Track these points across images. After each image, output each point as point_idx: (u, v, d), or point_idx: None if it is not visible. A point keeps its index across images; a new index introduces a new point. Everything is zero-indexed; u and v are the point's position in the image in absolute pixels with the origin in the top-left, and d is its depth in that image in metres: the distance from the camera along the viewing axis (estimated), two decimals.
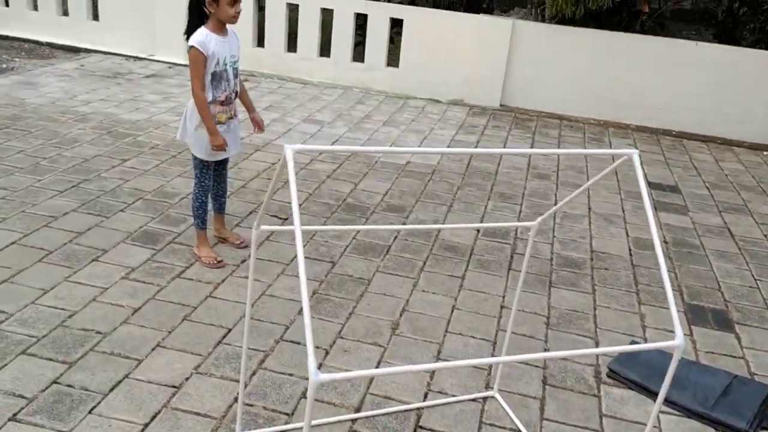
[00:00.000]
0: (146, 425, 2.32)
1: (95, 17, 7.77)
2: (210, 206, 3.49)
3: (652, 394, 2.73)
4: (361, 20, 7.20)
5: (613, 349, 2.22)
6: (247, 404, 2.47)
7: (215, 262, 3.38)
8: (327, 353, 2.81)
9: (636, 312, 3.36)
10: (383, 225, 4.04)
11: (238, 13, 3.12)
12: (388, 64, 7.18)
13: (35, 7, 7.90)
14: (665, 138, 6.52)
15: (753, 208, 4.88)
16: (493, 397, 2.65)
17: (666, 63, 6.51)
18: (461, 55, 6.86)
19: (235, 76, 3.28)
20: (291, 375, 2.65)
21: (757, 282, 3.79)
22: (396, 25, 7.12)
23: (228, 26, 3.21)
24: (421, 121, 6.29)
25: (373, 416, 2.48)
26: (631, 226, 4.38)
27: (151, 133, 5.19)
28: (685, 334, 3.21)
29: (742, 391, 2.74)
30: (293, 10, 7.23)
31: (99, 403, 2.40)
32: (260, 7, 7.37)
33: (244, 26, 7.23)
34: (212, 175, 3.43)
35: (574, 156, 5.57)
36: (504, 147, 5.73)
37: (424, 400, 2.60)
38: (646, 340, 3.13)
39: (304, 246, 3.77)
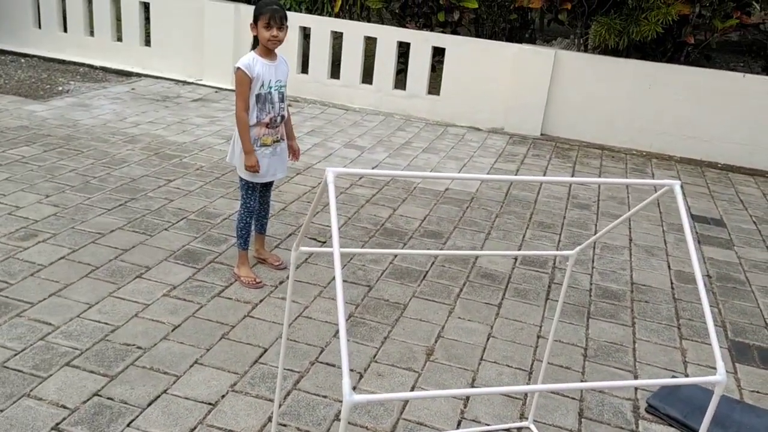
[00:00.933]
0: None
1: (147, 43, 8.04)
2: (252, 227, 3.56)
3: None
4: (403, 48, 7.30)
5: (652, 382, 2.17)
6: (281, 424, 2.49)
7: (254, 282, 3.44)
8: (361, 377, 2.82)
9: (677, 347, 3.29)
10: (420, 250, 4.05)
11: (275, 37, 3.19)
12: (429, 92, 7.24)
13: (91, 33, 8.21)
14: (710, 170, 6.41)
15: None
16: (528, 428, 2.62)
17: (712, 94, 6.42)
18: (502, 83, 6.89)
19: (281, 100, 3.35)
20: (325, 397, 2.67)
21: None
22: (438, 53, 7.20)
23: (278, 52, 3.35)
24: (460, 149, 6.32)
25: None
26: (673, 258, 4.30)
27: (197, 155, 5.33)
28: (728, 372, 3.13)
29: None
30: (337, 38, 7.38)
31: (137, 416, 2.45)
32: (305, 35, 7.53)
33: (289, 52, 7.41)
34: (257, 197, 3.49)
35: (615, 186, 5.51)
36: (544, 175, 5.71)
37: (457, 428, 2.58)
38: (687, 376, 3.06)
39: (341, 269, 3.80)
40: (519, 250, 4.21)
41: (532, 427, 2.62)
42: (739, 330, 3.51)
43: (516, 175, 5.65)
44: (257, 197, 3.49)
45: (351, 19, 7.63)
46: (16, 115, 5.92)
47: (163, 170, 4.93)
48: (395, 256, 3.94)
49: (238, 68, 3.20)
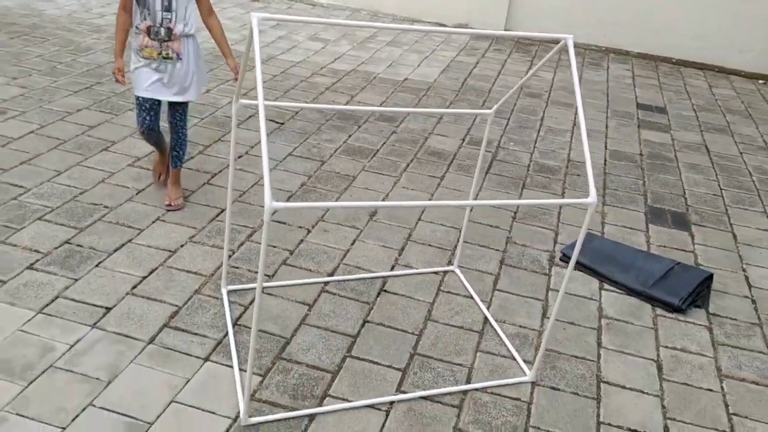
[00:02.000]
0: (144, 278, 2.67)
1: None
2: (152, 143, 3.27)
3: (599, 275, 3.03)
4: None
5: (534, 203, 2.51)
6: (233, 266, 2.81)
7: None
8: (308, 232, 3.14)
9: (598, 210, 3.64)
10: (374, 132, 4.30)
11: None
12: None
13: None
14: (664, 65, 6.64)
15: (735, 129, 5.06)
16: (453, 271, 2.97)
17: None
18: None
19: (164, 9, 2.86)
20: (275, 246, 2.98)
21: (723, 191, 4.03)
22: None
23: None
24: (424, 43, 6.46)
25: (344, 280, 2.82)
26: (610, 140, 4.61)
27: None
28: (642, 231, 3.49)
29: (682, 275, 3.03)
30: None
31: (104, 259, 2.75)
32: None
33: None
34: (147, 117, 3.09)
35: (568, 78, 5.74)
36: (502, 69, 5.91)
37: (390, 271, 2.92)
38: (602, 234, 3.41)
39: (295, 147, 4.06)
40: (468, 132, 4.48)
41: (457, 270, 2.97)
42: (658, 198, 3.85)
43: (475, 67, 5.85)
44: (146, 117, 3.09)
45: None
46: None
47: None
48: (349, 136, 4.19)
49: None
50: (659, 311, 2.86)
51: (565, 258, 3.14)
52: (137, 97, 3.07)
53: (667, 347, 2.66)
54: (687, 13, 6.61)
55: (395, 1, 7.26)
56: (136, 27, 2.93)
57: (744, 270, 3.24)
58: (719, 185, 4.10)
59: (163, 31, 2.91)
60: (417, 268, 2.96)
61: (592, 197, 2.04)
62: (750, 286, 3.12)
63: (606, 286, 3.00)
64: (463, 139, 4.34)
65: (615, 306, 2.87)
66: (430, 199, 3.56)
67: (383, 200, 3.49)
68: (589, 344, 2.63)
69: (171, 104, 3.13)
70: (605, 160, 4.28)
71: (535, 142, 4.43)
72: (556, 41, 1.95)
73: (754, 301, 3.01)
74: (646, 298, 2.91)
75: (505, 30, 7.06)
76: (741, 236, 3.55)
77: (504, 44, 6.71)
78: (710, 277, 3.04)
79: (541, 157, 4.21)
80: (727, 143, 4.77)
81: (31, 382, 2.13)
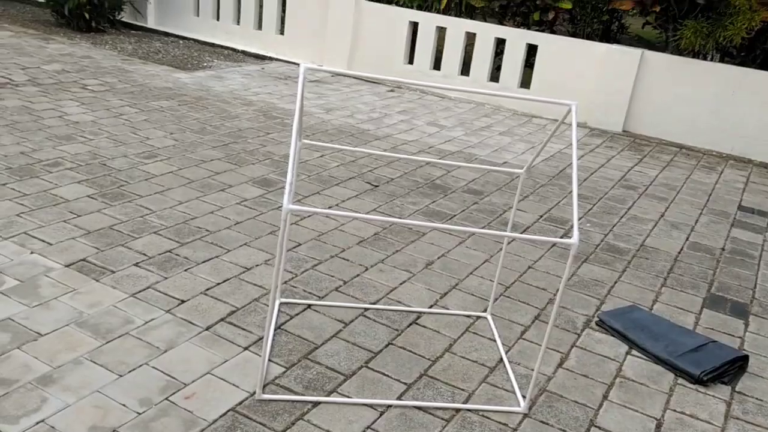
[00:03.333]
0: (218, 284, 3.22)
1: (281, 32, 9.24)
2: None
3: (628, 341, 3.14)
4: (502, 45, 7.91)
5: (518, 237, 2.73)
6: (292, 286, 3.29)
7: None
8: (366, 269, 3.55)
9: (654, 290, 3.72)
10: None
11: None
12: (521, 86, 7.79)
13: (237, 22, 9.54)
14: None
15: None
16: (485, 317, 3.23)
17: None
18: (589, 81, 7.30)
19: None
20: (332, 276, 3.43)
21: None
22: (532, 51, 7.73)
23: None
24: (536, 135, 6.83)
25: (382, 309, 3.18)
26: (695, 233, 4.63)
27: None
28: (692, 312, 3.52)
29: (713, 351, 3.05)
30: (441, 32, 8.13)
31: (192, 267, 3.35)
32: (414, 30, 8.35)
33: (397, 44, 8.28)
34: None
35: (670, 180, 5.79)
36: (606, 163, 6.11)
37: (427, 308, 3.24)
38: (650, 310, 3.49)
39: (381, 205, 4.50)
40: (548, 212, 4.73)
41: (489, 317, 3.22)
42: (724, 287, 3.84)
43: (578, 160, 6.10)
44: None
45: (456, 16, 8.34)
46: (165, 79, 7.22)
47: (266, 126, 5.93)
48: (432, 201, 4.61)
49: None
50: (680, 380, 2.91)
51: (601, 323, 3.28)
52: None
53: (674, 410, 2.72)
54: None
55: (521, 101, 7.73)
56: None
57: None
58: None
59: None
60: (452, 309, 3.26)
61: (575, 238, 2.29)
62: None
63: (634, 352, 3.09)
64: (542, 216, 4.60)
65: (636, 369, 2.97)
66: (486, 261, 3.85)
67: (439, 257, 3.84)
68: (594, 395, 2.76)
69: None
70: (681, 249, 4.32)
71: (613, 226, 4.58)
72: (568, 113, 2.16)
73: None
74: (671, 367, 2.98)
75: (623, 131, 7.26)
76: None
77: (618, 142, 6.90)
78: (744, 357, 3.04)
79: (614, 239, 4.36)
80: None
81: (109, 342, 2.69)
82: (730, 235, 4.67)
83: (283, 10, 9.16)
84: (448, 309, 3.27)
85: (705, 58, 6.96)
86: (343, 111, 6.84)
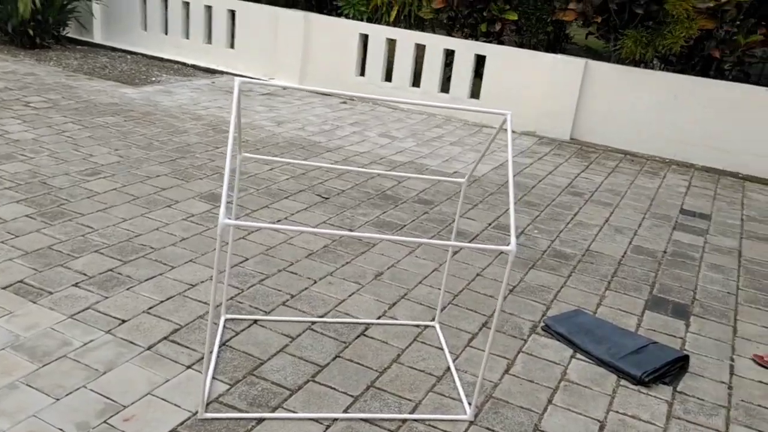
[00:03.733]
0: (161, 302, 3.16)
1: (231, 46, 9.18)
2: None
3: (572, 344, 3.19)
4: (451, 56, 8.00)
5: (454, 243, 2.76)
6: (238, 302, 3.25)
7: None
8: (314, 282, 3.53)
9: (598, 294, 3.79)
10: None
11: None
12: (471, 96, 7.89)
13: (187, 36, 9.44)
14: (727, 179, 6.66)
15: None
16: (433, 326, 3.24)
17: (741, 109, 6.68)
18: (537, 90, 7.43)
19: None
20: (279, 290, 3.40)
21: (739, 290, 4.04)
22: (482, 60, 7.84)
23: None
24: (485, 144, 6.89)
25: (330, 322, 3.17)
26: (638, 237, 4.74)
27: (247, 132, 6.25)
28: (634, 315, 3.60)
29: (654, 352, 3.12)
30: (391, 44, 8.18)
31: (135, 285, 3.28)
32: (364, 42, 8.38)
33: (348, 57, 8.31)
34: None
35: (618, 186, 5.93)
36: (553, 170, 6.22)
37: (376, 320, 3.24)
38: (594, 313, 3.56)
39: (331, 217, 4.49)
40: (497, 219, 4.78)
41: (437, 326, 3.23)
42: (666, 289, 3.94)
43: (527, 168, 6.20)
44: None
45: (405, 28, 8.41)
46: (111, 94, 7.10)
47: (214, 140, 5.88)
48: (383, 212, 4.62)
49: None
50: (623, 382, 2.97)
51: (547, 328, 3.32)
52: None
53: (617, 412, 2.76)
54: (753, 131, 6.67)
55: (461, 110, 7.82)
56: None
57: (732, 360, 3.27)
58: (738, 285, 4.11)
59: None
60: (401, 320, 3.26)
61: (512, 245, 2.32)
62: (732, 374, 3.14)
63: (578, 355, 3.14)
64: (490, 224, 4.65)
65: (579, 372, 3.01)
66: (435, 270, 3.87)
67: (389, 267, 3.85)
68: (539, 399, 2.79)
69: None
70: (624, 253, 4.41)
71: (560, 232, 4.65)
72: (504, 122, 2.23)
73: (730, 387, 3.04)
74: (613, 369, 3.03)
75: (570, 139, 7.40)
76: (742, 330, 3.56)
77: (565, 150, 7.03)
78: (685, 357, 3.12)
79: (561, 245, 4.43)
80: (765, 251, 4.76)
81: (45, 365, 2.62)
82: (672, 238, 4.79)
83: (233, 24, 9.11)
84: (396, 319, 3.28)
85: (646, 67, 7.16)
86: (295, 123, 6.82)
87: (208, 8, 9.15)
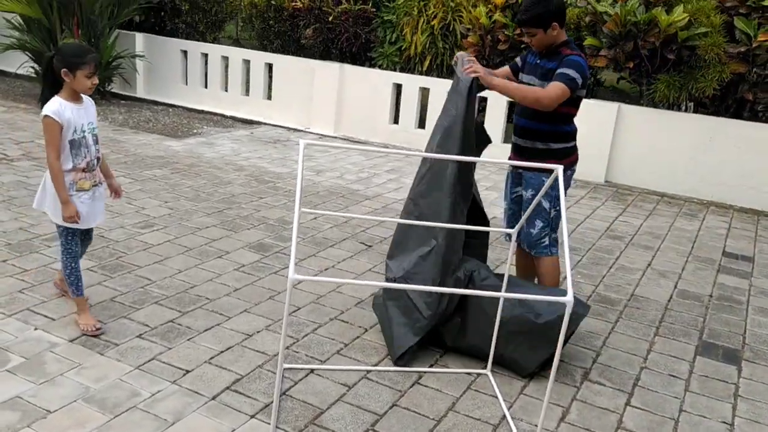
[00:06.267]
0: (221, 352, 3.27)
1: (269, 97, 9.47)
2: (80, 270, 3.40)
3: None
4: (484, 102, 8.16)
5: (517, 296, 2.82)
6: (294, 351, 3.34)
7: (95, 329, 3.30)
8: (365, 331, 3.61)
9: (648, 340, 3.80)
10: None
11: (95, 84, 3.20)
12: (505, 141, 8.00)
13: (225, 89, 9.77)
14: (767, 219, 6.63)
15: None
16: (485, 374, 3.29)
17: None
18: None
19: (96, 142, 3.30)
20: (333, 339, 3.49)
21: None
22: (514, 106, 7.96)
23: (83, 94, 3.27)
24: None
25: (384, 371, 3.24)
26: (682, 281, 4.74)
27: (288, 182, 6.42)
28: (686, 360, 3.60)
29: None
30: (424, 92, 8.38)
31: (195, 336, 3.40)
32: (398, 92, 8.60)
33: (382, 106, 8.51)
34: (78, 242, 3.35)
35: (657, 225, 5.95)
36: (591, 214, 6.26)
37: (429, 368, 3.30)
38: (645, 360, 3.57)
39: (376, 264, 4.60)
40: None
41: (489, 374, 3.28)
42: (715, 334, 3.93)
43: (567, 211, 6.24)
44: (78, 241, 3.36)
45: (437, 76, 8.61)
46: (157, 147, 7.36)
47: (258, 190, 6.05)
48: None
49: (46, 116, 3.11)
50: (680, 428, 2.97)
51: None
52: (69, 230, 3.27)
53: None
54: None
55: (504, 155, 7.94)
56: (73, 167, 3.20)
57: None
58: None
59: (95, 162, 3.32)
60: (453, 368, 3.32)
61: (569, 296, 2.39)
62: None
63: (633, 402, 3.16)
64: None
65: (636, 420, 3.03)
66: None
67: None
68: None
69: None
70: (670, 298, 4.42)
71: (603, 277, 4.68)
72: (610, 183, 2.29)
73: None
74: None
75: (606, 182, 7.45)
76: None
77: (602, 193, 7.07)
78: None
79: (605, 290, 4.46)
80: None
81: (117, 416, 2.72)
82: (717, 281, 4.79)
83: (270, 76, 9.42)
84: (448, 367, 3.33)
85: (679, 109, 7.22)
86: (333, 172, 6.99)
87: (246, 62, 9.48)
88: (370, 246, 4.92)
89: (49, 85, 3.19)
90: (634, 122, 7.29)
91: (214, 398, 2.90)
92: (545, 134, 3.62)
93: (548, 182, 2.77)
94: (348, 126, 8.84)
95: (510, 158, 3.85)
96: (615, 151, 7.43)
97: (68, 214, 3.18)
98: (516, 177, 3.83)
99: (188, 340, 3.36)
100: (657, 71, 7.13)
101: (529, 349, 3.22)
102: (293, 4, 9.00)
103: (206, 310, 3.69)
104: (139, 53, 9.93)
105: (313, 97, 8.96)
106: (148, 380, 2.98)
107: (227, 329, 3.50)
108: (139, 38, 10.06)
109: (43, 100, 3.19)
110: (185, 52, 9.88)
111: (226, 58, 9.61)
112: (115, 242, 4.51)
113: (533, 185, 3.62)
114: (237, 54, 9.58)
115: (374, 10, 8.70)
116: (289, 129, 9.07)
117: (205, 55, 9.74)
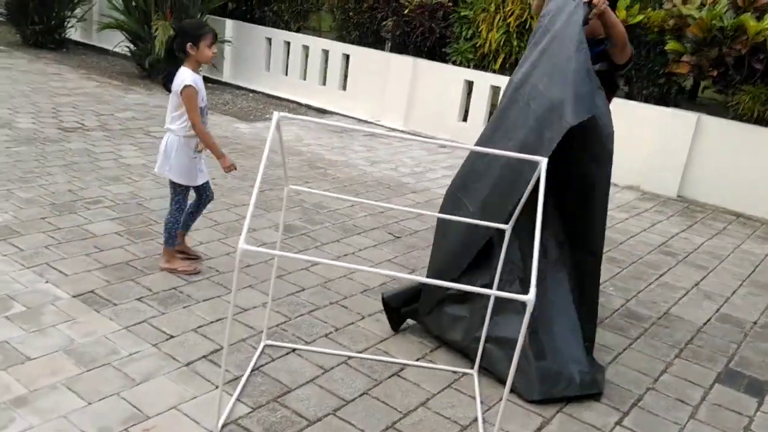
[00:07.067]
0: (211, 323, 3.30)
1: (344, 88, 9.55)
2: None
3: None
4: None
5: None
6: (283, 329, 3.33)
7: (193, 270, 3.77)
8: (362, 318, 3.55)
9: (666, 360, 3.51)
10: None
11: (215, 54, 3.59)
12: None
13: (304, 78, 9.93)
14: None
15: None
16: (471, 374, 3.15)
17: None
18: (643, 143, 7.10)
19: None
20: (326, 322, 3.45)
21: None
22: None
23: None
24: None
25: (366, 359, 3.16)
26: (728, 305, 4.36)
27: (339, 169, 6.44)
28: (701, 387, 3.30)
29: None
30: (495, 91, 8.18)
31: (192, 304, 3.46)
32: (469, 89, 8.44)
33: (453, 102, 8.38)
34: (187, 199, 3.79)
35: (713, 244, 5.51)
36: (649, 227, 5.88)
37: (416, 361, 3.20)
38: (656, 381, 3.30)
39: (397, 256, 4.51)
40: None
41: (475, 374, 3.14)
42: (744, 363, 3.59)
43: (621, 223, 5.91)
44: (186, 199, 3.79)
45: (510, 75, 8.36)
46: (225, 128, 7.59)
47: (306, 175, 6.11)
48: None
49: (188, 85, 3.45)
50: None
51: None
52: (186, 188, 3.74)
53: None
54: None
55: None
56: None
57: None
58: None
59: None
60: (439, 364, 3.20)
61: (531, 294, 2.23)
62: None
63: (625, 422, 2.93)
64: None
65: None
66: None
67: None
68: None
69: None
70: (708, 320, 4.07)
71: (639, 292, 4.38)
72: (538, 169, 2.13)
73: None
74: None
75: (678, 196, 6.99)
76: None
77: (671, 207, 6.63)
78: None
79: (636, 305, 4.17)
80: None
81: (89, 370, 2.81)
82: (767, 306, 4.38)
83: (347, 67, 9.49)
84: (434, 363, 3.22)
85: (766, 124, 6.66)
86: (389, 164, 6.95)
87: (325, 52, 9.60)
88: (398, 237, 4.85)
89: (174, 64, 3.58)
90: (714, 135, 6.79)
91: (188, 365, 2.94)
92: None
93: (534, 176, 2.61)
94: (417, 120, 8.76)
95: None
96: (691, 165, 6.95)
97: (227, 164, 3.69)
98: None
99: (184, 307, 3.42)
100: (744, 81, 6.61)
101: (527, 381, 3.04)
102: None
103: (212, 281, 3.75)
104: (228, 39, 10.28)
105: (385, 89, 8.96)
106: (131, 341, 3.06)
107: (225, 301, 3.54)
108: (229, 24, 10.42)
109: (168, 76, 3.56)
110: (269, 40, 10.13)
111: (306, 47, 9.78)
112: (151, 211, 4.68)
113: None
114: (316, 43, 9.72)
115: (451, 4, 8.57)
116: (359, 120, 9.10)
117: (288, 44, 9.96)
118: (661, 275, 4.75)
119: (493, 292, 2.37)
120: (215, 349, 3.09)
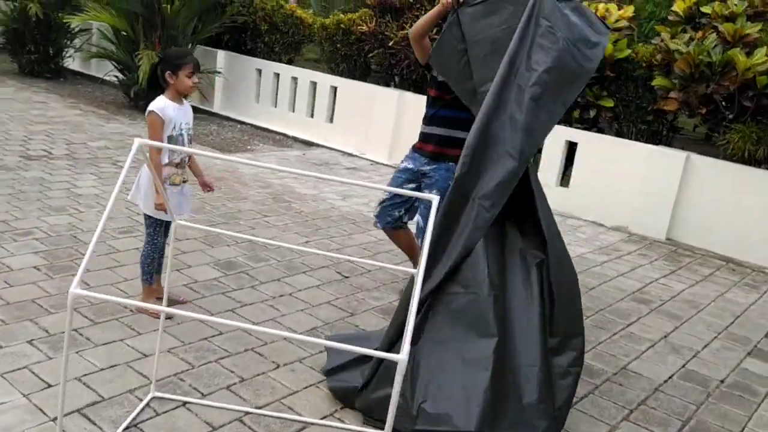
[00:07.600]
0: (102, 369, 3.01)
1: (331, 120, 9.35)
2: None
3: None
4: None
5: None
6: (181, 379, 3.03)
7: (156, 315, 3.48)
8: (278, 366, 3.24)
9: (611, 424, 3.14)
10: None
11: (196, 84, 3.52)
12: (560, 184, 7.35)
13: (293, 110, 9.77)
14: None
15: None
16: None
17: None
18: (631, 182, 6.76)
19: (189, 141, 3.65)
20: (233, 371, 3.14)
21: None
22: (573, 147, 7.32)
23: (183, 98, 3.58)
24: (566, 237, 6.31)
25: (264, 415, 2.84)
26: (696, 360, 3.97)
27: (306, 204, 6.18)
28: None
29: None
30: None
31: (88, 349, 3.17)
32: None
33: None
34: (162, 233, 3.64)
35: (697, 294, 5.12)
36: (628, 272, 5.51)
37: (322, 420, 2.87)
38: None
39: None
40: None
41: None
42: (702, 428, 3.19)
43: (599, 267, 5.54)
44: (162, 234, 3.65)
45: None
46: (200, 160, 7.37)
47: (268, 209, 5.85)
48: None
49: (152, 111, 3.42)
50: None
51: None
52: (157, 222, 3.57)
53: None
54: None
55: (555, 197, 7.28)
56: (168, 162, 3.50)
57: None
58: None
59: (187, 159, 3.67)
60: (348, 424, 2.86)
61: (403, 354, 1.91)
62: None
63: None
64: None
65: None
66: None
67: None
68: None
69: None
70: (669, 378, 3.69)
71: (598, 344, 4.01)
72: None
73: None
74: None
75: (667, 239, 6.61)
76: None
77: (656, 251, 6.25)
78: None
79: (592, 359, 3.79)
80: None
81: None
82: (741, 365, 3.97)
83: (335, 101, 9.31)
84: (343, 423, 2.89)
85: (759, 165, 6.28)
86: (362, 198, 6.68)
87: (314, 84, 9.44)
88: (347, 277, 4.54)
89: (158, 93, 3.54)
90: (704, 175, 6.42)
91: (53, 420, 2.64)
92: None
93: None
94: (402, 154, 8.47)
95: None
96: (679, 206, 6.57)
97: (159, 201, 3.40)
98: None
99: (77, 352, 3.14)
100: (735, 119, 6.27)
101: None
102: (359, 27, 8.87)
103: (121, 322, 3.48)
104: (218, 70, 10.18)
105: (371, 122, 8.73)
106: (3, 389, 2.78)
107: (128, 346, 3.26)
108: (221, 55, 10.33)
109: (149, 105, 3.50)
110: (260, 71, 10.01)
111: (295, 79, 9.63)
112: (82, 244, 4.43)
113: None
114: (305, 75, 9.57)
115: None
116: (344, 153, 8.87)
117: (277, 75, 9.82)
118: (629, 325, 4.37)
119: (371, 352, 2.06)
120: (94, 401, 2.79)
